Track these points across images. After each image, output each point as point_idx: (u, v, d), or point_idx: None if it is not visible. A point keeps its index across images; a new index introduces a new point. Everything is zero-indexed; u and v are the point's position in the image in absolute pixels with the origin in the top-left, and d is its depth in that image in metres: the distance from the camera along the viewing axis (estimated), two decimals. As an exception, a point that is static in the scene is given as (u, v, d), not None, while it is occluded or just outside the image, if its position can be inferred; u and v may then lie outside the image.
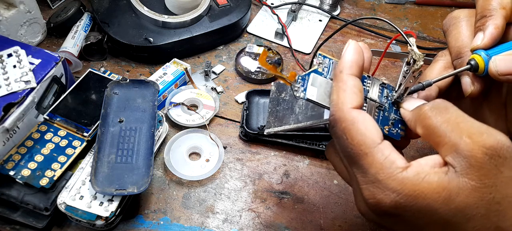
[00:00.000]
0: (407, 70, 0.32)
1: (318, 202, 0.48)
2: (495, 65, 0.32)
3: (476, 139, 0.27)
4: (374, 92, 0.34)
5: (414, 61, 0.31)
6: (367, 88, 0.34)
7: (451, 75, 0.35)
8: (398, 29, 0.33)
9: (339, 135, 0.31)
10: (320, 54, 0.35)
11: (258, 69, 0.34)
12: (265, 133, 0.38)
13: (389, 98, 0.34)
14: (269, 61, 0.57)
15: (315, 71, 0.34)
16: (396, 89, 0.34)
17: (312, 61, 0.36)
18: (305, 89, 0.33)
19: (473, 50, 0.34)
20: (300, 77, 0.33)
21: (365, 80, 0.34)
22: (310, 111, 0.35)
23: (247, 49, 0.54)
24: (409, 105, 0.33)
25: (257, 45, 0.59)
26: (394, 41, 0.68)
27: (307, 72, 0.34)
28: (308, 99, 0.33)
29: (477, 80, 0.35)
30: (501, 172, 0.27)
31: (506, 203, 0.27)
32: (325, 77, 0.34)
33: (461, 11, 0.37)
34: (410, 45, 0.31)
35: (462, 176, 0.27)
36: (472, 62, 0.33)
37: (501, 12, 0.34)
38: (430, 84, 0.34)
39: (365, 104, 0.33)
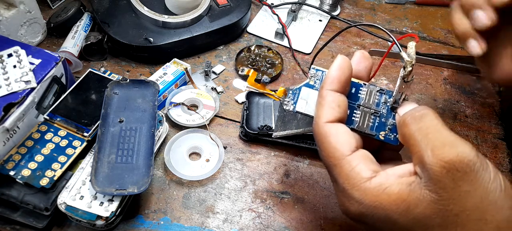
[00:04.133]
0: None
1: (318, 202, 0.48)
2: None
3: (437, 152, 0.28)
4: (369, 100, 0.35)
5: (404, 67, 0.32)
6: (362, 96, 0.35)
7: None
8: (393, 38, 0.34)
9: (317, 146, 0.33)
10: (313, 68, 0.37)
11: (248, 89, 0.37)
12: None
13: (387, 104, 0.35)
14: (258, 80, 0.59)
15: (307, 84, 0.36)
16: (394, 95, 0.34)
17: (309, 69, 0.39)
18: (295, 102, 0.36)
19: None
20: (291, 91, 0.36)
21: (360, 88, 0.36)
22: (308, 119, 0.37)
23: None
24: (402, 111, 0.34)
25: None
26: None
27: (298, 86, 0.36)
28: (297, 112, 0.36)
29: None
30: (459, 186, 0.27)
31: (464, 215, 0.28)
32: (317, 89, 0.36)
33: None
34: (400, 51, 0.32)
35: (424, 188, 0.28)
36: None
37: None
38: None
39: (357, 113, 0.35)
